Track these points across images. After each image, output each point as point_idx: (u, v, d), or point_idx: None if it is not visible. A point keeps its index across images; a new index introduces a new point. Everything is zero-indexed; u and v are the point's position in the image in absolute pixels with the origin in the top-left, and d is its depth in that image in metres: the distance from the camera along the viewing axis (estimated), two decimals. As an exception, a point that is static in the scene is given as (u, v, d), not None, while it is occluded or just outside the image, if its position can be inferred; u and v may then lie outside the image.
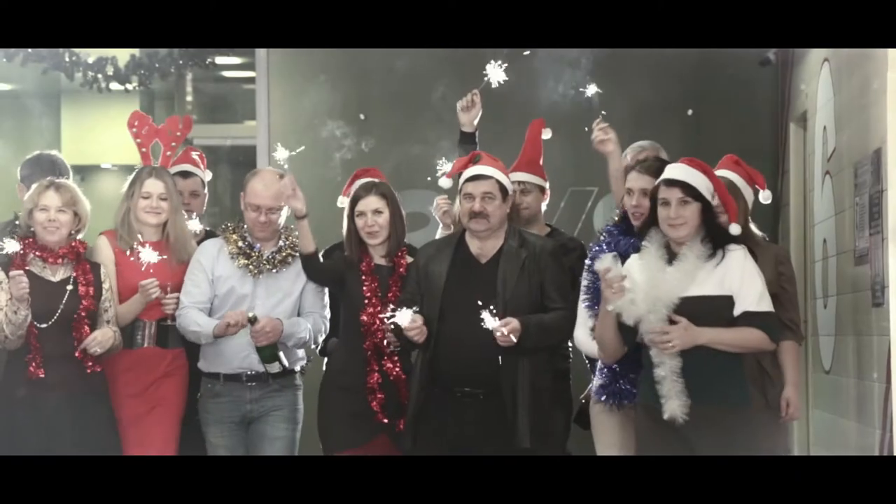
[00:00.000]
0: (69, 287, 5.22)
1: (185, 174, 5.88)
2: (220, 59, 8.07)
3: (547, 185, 5.65)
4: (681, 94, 7.51)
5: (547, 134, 5.57)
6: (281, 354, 5.30)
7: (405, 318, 4.88)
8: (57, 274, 5.25)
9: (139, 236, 5.42)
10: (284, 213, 5.44)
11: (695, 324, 4.56)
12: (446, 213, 5.56)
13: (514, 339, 4.82)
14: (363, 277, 5.29)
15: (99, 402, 5.27)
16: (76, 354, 5.18)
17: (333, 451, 5.28)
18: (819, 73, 6.49)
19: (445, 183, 5.36)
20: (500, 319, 4.84)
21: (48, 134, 9.68)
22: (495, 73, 5.45)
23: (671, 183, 4.67)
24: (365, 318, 5.24)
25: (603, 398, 5.01)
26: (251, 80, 8.90)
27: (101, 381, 5.31)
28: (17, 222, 5.48)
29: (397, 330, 4.99)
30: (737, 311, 4.62)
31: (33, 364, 5.12)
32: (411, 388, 5.04)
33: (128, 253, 5.41)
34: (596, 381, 5.09)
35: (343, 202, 5.66)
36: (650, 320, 4.58)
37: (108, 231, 5.51)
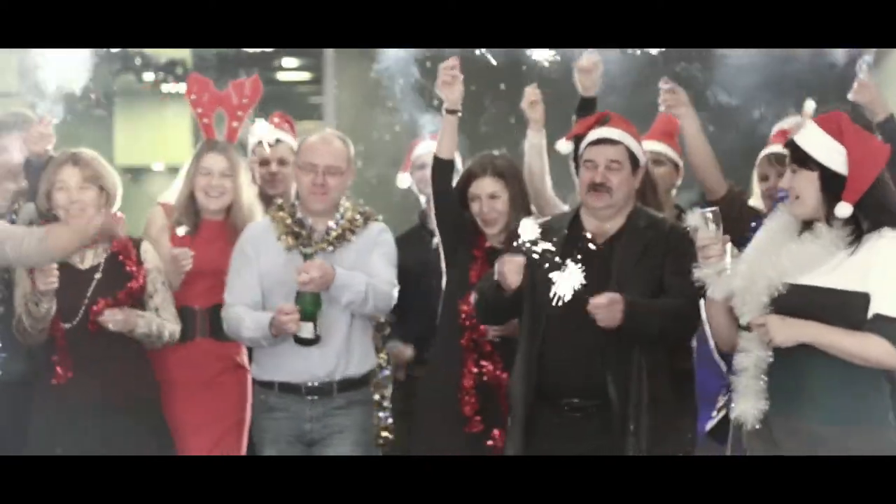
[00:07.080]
0: (97, 276, 4.46)
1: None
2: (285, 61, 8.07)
3: (681, 163, 4.79)
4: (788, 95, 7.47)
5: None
6: (318, 317, 4.43)
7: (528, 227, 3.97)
8: (86, 260, 4.50)
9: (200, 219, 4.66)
10: (347, 183, 4.61)
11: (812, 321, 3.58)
12: (534, 103, 4.67)
13: (618, 316, 3.93)
14: (474, 261, 4.52)
15: (134, 413, 4.48)
16: (89, 326, 4.40)
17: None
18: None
19: (564, 147, 4.38)
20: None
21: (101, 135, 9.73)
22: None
23: (788, 144, 3.68)
24: (465, 307, 4.43)
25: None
26: (307, 82, 8.98)
27: (141, 388, 4.54)
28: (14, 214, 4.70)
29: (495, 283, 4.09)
30: (869, 314, 3.53)
31: (60, 367, 4.39)
32: (512, 393, 4.25)
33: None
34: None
35: (404, 180, 5.14)
36: (744, 300, 3.62)
37: (164, 202, 4.75)
